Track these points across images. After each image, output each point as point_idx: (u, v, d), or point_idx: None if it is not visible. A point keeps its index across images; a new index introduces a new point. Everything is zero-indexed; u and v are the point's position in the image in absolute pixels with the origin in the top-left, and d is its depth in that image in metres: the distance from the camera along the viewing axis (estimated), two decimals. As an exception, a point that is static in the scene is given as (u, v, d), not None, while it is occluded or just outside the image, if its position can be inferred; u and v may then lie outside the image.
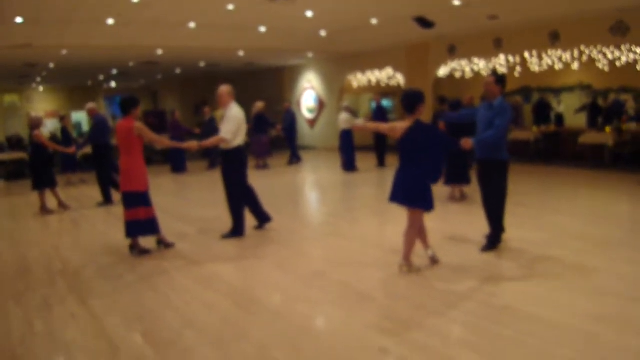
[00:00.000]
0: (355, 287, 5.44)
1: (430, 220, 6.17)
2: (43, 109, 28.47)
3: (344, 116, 14.40)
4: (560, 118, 16.34)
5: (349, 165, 14.52)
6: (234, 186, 7.54)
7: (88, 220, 9.77)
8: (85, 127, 28.54)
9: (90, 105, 11.61)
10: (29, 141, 11.69)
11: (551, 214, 8.53)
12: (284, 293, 5.44)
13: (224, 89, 7.47)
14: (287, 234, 7.95)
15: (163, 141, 7.73)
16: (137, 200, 6.87)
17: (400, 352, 3.95)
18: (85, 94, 29.92)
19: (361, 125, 6.61)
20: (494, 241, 6.43)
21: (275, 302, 5.19)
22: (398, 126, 5.66)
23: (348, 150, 14.47)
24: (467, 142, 5.92)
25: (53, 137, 15.91)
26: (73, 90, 29.76)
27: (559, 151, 15.11)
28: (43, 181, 10.27)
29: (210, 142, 7.60)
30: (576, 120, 15.82)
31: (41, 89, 29.04)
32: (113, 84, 30.99)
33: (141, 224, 6.91)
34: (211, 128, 16.62)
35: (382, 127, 6.18)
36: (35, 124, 10.32)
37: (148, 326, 4.67)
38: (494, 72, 6.56)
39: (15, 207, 11.57)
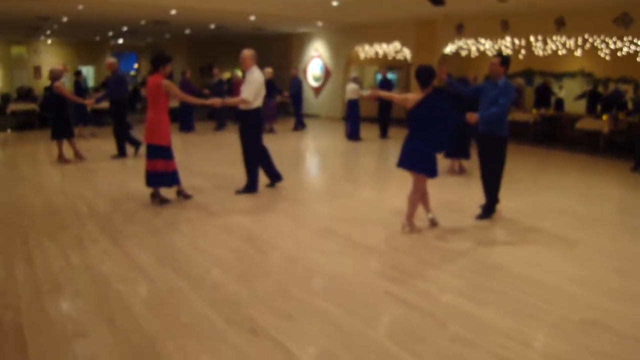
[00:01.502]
0: (362, 240, 6.03)
1: (431, 189, 6.70)
2: (50, 61, 28.65)
3: (351, 86, 14.82)
4: (560, 103, 16.80)
5: (353, 134, 14.99)
6: (251, 145, 8.04)
7: (105, 170, 10.26)
8: (91, 81, 28.80)
9: (111, 59, 11.82)
10: (48, 92, 12.06)
11: (544, 190, 9.10)
12: (297, 242, 6.01)
13: (247, 53, 7.90)
14: (297, 192, 8.53)
15: (189, 98, 8.06)
16: (159, 152, 7.34)
17: (402, 294, 4.54)
18: (92, 49, 30.16)
19: (375, 93, 7.02)
20: (488, 210, 6.99)
21: (290, 249, 5.75)
22: (410, 97, 6.18)
23: (354, 119, 14.93)
24: (472, 116, 6.44)
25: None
26: (80, 45, 29.93)
27: (556, 134, 15.61)
28: (62, 131, 10.72)
29: (232, 101, 8.18)
30: (576, 106, 16.28)
31: (49, 41, 29.19)
32: (120, 41, 31.13)
33: (160, 175, 7.40)
34: (220, 89, 17.05)
35: (396, 96, 6.69)
36: (57, 75, 10.71)
37: (178, 263, 5.23)
38: (500, 53, 7.03)
39: (32, 156, 12.03)
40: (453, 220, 6.86)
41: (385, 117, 15.61)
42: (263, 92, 7.94)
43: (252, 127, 7.99)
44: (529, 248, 5.93)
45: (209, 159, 11.81)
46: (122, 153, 11.47)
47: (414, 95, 6.16)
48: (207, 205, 7.52)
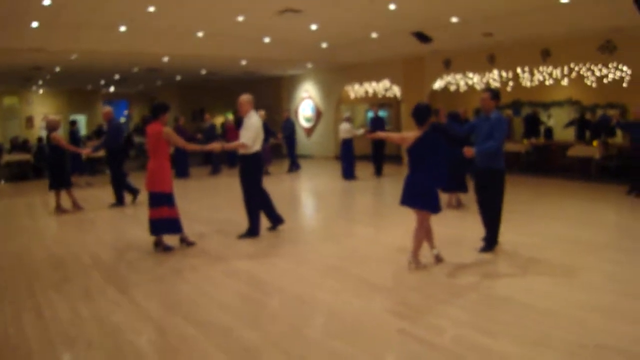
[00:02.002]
0: (368, 278, 6.06)
1: (431, 224, 6.72)
2: (42, 111, 28.81)
3: (345, 126, 15.00)
4: (549, 132, 17.04)
5: (348, 173, 15.10)
6: (252, 189, 8.10)
7: (104, 219, 10.28)
8: (83, 130, 28.92)
9: (106, 109, 11.96)
10: (45, 143, 12.14)
11: (542, 220, 9.18)
12: (304, 283, 6.02)
13: (245, 98, 8.04)
14: (298, 234, 8.57)
15: (190, 145, 8.14)
16: (163, 200, 7.41)
17: (415, 331, 4.55)
18: (84, 98, 30.33)
19: (374, 135, 7.15)
20: (491, 243, 7.05)
21: (298, 291, 5.76)
22: (408, 136, 6.30)
23: (348, 159, 15.05)
24: (469, 151, 6.57)
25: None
26: (72, 94, 30.09)
27: (548, 163, 15.81)
28: (60, 182, 10.76)
29: (232, 145, 8.28)
30: (565, 134, 16.54)
31: (41, 91, 29.38)
32: (112, 89, 31.39)
33: (165, 222, 7.45)
34: (212, 134, 17.21)
35: (394, 136, 6.81)
36: (54, 126, 10.81)
37: (187, 310, 5.22)
38: (489, 88, 7.21)
39: (29, 207, 12.03)
40: (456, 254, 6.89)
41: (379, 154, 15.75)
42: (262, 136, 8.05)
43: (252, 171, 8.07)
44: (534, 278, 5.97)
45: (207, 204, 11.85)
46: (120, 202, 11.48)
47: (411, 134, 6.28)
48: (210, 251, 7.53)
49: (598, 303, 5.12)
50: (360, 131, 14.61)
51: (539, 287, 5.62)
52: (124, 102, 36.12)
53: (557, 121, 17.23)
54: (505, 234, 7.38)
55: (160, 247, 7.54)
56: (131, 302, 5.54)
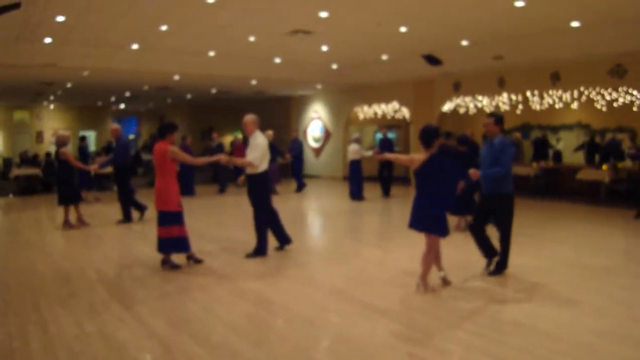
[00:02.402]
0: (376, 301, 5.99)
1: (440, 246, 6.67)
2: (52, 126, 29.09)
3: (353, 147, 15.00)
4: (559, 155, 16.99)
5: (356, 194, 15.07)
6: (261, 208, 8.08)
7: (112, 235, 10.27)
8: (93, 146, 29.10)
9: (115, 126, 12.09)
10: (55, 158, 12.21)
11: (550, 244, 9.11)
12: (312, 305, 5.96)
13: (249, 118, 8.05)
14: (306, 254, 8.52)
15: (196, 160, 8.17)
16: (172, 219, 7.41)
17: (425, 355, 4.48)
18: (94, 114, 30.61)
19: (382, 156, 7.13)
20: (501, 267, 6.98)
21: (306, 312, 5.69)
22: (416, 158, 6.27)
23: (357, 179, 15.03)
24: (475, 173, 6.53)
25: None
26: (82, 110, 30.38)
27: (557, 186, 15.72)
28: (69, 197, 10.78)
29: (240, 161, 8.27)
30: (575, 157, 16.48)
31: (52, 107, 29.65)
32: (122, 106, 31.63)
33: (174, 241, 7.45)
34: (219, 153, 17.20)
35: (402, 158, 6.77)
36: (64, 141, 10.87)
37: (194, 330, 5.17)
38: (493, 113, 7.17)
39: (37, 221, 12.06)
40: (465, 278, 6.83)
41: (388, 176, 15.71)
42: (268, 155, 8.05)
43: (259, 190, 8.05)
44: (542, 302, 5.89)
45: (214, 221, 11.84)
46: (127, 218, 11.48)
47: (419, 156, 6.25)
48: (217, 270, 7.49)
49: (607, 328, 5.05)
50: (369, 152, 14.61)
51: (547, 312, 5.56)
52: (134, 120, 36.38)
53: (567, 145, 17.17)
54: (514, 257, 7.29)
55: (168, 264, 7.51)
56: (137, 319, 5.50)
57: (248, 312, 5.77)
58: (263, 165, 7.97)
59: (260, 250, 8.16)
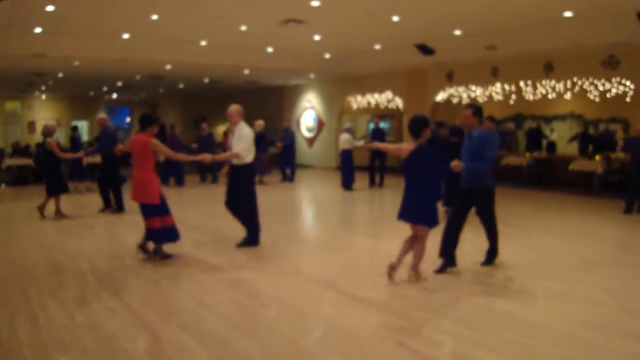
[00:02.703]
0: (367, 291, 5.99)
1: (431, 236, 6.60)
2: (44, 116, 28.90)
3: (345, 136, 14.97)
4: (552, 146, 17.00)
5: (348, 183, 15.05)
6: (248, 198, 7.99)
7: (103, 225, 10.22)
8: (85, 136, 28.93)
9: (101, 115, 12.01)
10: (41, 148, 12.11)
11: (542, 234, 9.13)
12: (302, 295, 5.96)
13: (234, 108, 7.93)
14: (298, 245, 8.54)
15: (178, 155, 8.05)
16: (153, 211, 7.27)
17: (415, 345, 4.49)
18: (86, 104, 30.43)
19: (371, 145, 7.10)
20: (492, 256, 6.97)
21: (296, 302, 5.69)
22: (404, 147, 6.23)
23: (348, 169, 15.02)
24: (457, 165, 6.36)
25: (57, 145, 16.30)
26: (74, 100, 30.20)
27: (550, 177, 15.75)
28: (57, 187, 10.69)
29: (224, 156, 8.10)
30: (568, 148, 16.50)
31: (43, 97, 29.46)
32: (114, 96, 31.46)
33: (158, 232, 7.32)
34: (209, 143, 17.03)
35: (391, 147, 6.74)
36: (49, 131, 10.76)
37: (184, 320, 5.16)
38: (471, 104, 6.98)
39: (28, 211, 11.93)
40: (455, 269, 6.80)
41: (381, 166, 15.67)
42: (254, 146, 7.93)
43: (246, 181, 7.96)
44: (533, 293, 5.92)
45: (205, 212, 11.77)
46: (120, 207, 11.38)
47: (407, 145, 6.20)
48: (208, 260, 7.45)
49: (600, 320, 5.07)
50: (360, 142, 14.58)
51: (538, 303, 5.59)
52: (127, 109, 36.20)
53: (560, 135, 17.19)
54: (505, 247, 7.30)
55: (159, 255, 7.45)
56: (127, 309, 5.48)
57: (239, 302, 5.75)
58: (250, 156, 7.87)
59: (252, 240, 8.12)
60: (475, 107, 6.70)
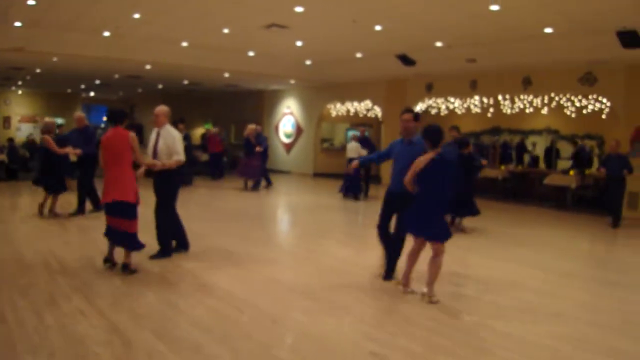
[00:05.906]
0: (342, 299, 5.98)
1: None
2: (20, 112, 28.51)
3: (353, 145, 15.02)
4: (535, 161, 17.20)
5: (351, 190, 15.02)
6: (168, 205, 7.55)
7: (75, 225, 10.01)
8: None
9: (79, 114, 11.55)
10: (39, 145, 11.90)
11: (517, 247, 9.22)
12: (277, 302, 5.92)
13: (161, 109, 7.38)
14: (274, 251, 8.53)
15: (142, 159, 7.17)
16: (123, 211, 6.80)
17: (388, 354, 4.48)
18: (63, 101, 29.95)
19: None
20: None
21: (271, 309, 5.64)
22: (421, 159, 5.83)
23: (355, 178, 14.80)
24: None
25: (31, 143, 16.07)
26: (51, 96, 29.71)
27: (525, 190, 15.93)
28: (57, 185, 10.53)
29: (170, 163, 7.31)
30: (540, 162, 16.74)
31: (20, 92, 29.00)
32: (92, 94, 31.09)
33: (122, 234, 6.89)
34: (185, 145, 16.88)
35: (413, 171, 5.90)
36: (47, 128, 10.57)
37: (155, 324, 5.08)
38: (409, 109, 6.66)
39: (3, 209, 11.73)
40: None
41: (366, 175, 15.48)
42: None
43: (171, 186, 7.51)
44: (508, 305, 5.97)
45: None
46: (97, 206, 11.09)
47: (424, 156, 5.83)
48: (182, 264, 7.35)
49: (571, 333, 5.13)
50: (365, 151, 14.54)
51: (511, 314, 5.63)
52: (104, 108, 35.77)
53: (537, 149, 17.43)
54: (479, 259, 7.37)
55: (127, 270, 6.78)
56: (98, 312, 5.37)
57: (211, 307, 5.68)
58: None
59: (165, 251, 7.54)
60: (414, 112, 6.48)
